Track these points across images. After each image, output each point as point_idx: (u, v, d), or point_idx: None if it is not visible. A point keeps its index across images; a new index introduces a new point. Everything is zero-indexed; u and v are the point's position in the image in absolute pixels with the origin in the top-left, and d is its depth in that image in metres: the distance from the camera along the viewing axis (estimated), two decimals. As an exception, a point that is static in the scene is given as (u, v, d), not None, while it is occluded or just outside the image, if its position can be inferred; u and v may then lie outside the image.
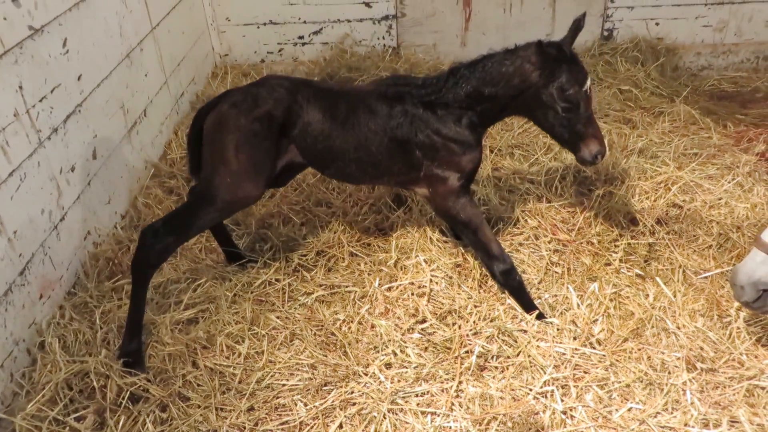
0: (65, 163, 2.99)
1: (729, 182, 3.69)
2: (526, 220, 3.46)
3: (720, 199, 3.58)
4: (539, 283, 3.07)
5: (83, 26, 3.19)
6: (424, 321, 2.86)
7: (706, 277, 3.07)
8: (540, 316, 2.86)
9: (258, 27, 5.30)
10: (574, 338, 2.75)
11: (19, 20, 2.67)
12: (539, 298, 2.99)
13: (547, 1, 5.20)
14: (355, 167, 2.88)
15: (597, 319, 2.85)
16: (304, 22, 5.27)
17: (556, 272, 3.14)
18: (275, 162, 2.78)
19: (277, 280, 3.13)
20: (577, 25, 2.74)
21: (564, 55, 2.66)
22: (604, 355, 2.67)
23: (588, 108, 2.73)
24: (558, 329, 2.79)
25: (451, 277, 3.07)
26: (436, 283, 3.04)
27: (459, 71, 2.83)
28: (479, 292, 3.00)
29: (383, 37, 5.36)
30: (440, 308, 2.92)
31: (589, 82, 2.70)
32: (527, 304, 2.89)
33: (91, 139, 3.23)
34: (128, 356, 2.63)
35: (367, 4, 5.22)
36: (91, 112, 3.24)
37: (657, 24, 5.27)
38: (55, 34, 2.94)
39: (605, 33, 5.34)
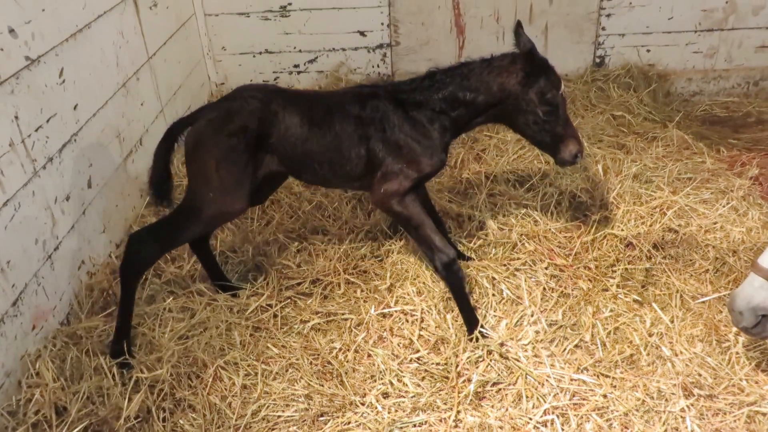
0: (60, 192, 2.98)
1: (724, 206, 3.70)
2: (523, 244, 3.46)
3: (715, 223, 3.58)
4: (530, 311, 3.05)
5: (80, 56, 3.22)
6: (418, 350, 2.83)
7: (703, 302, 3.06)
8: (474, 321, 2.88)
9: (254, 56, 5.35)
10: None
11: (16, 51, 2.68)
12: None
13: (540, 29, 5.27)
14: (328, 169, 2.88)
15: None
16: (300, 50, 5.33)
17: (553, 296, 3.12)
18: (256, 173, 2.80)
19: (269, 305, 3.11)
20: (521, 28, 2.92)
21: (544, 63, 2.80)
22: (598, 382, 2.65)
23: (564, 110, 2.87)
24: (552, 355, 2.77)
25: (442, 304, 3.05)
26: (428, 312, 3.02)
27: (436, 75, 2.90)
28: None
29: (378, 65, 5.41)
30: (432, 335, 2.90)
31: (563, 86, 2.85)
32: (465, 304, 2.89)
33: (86, 168, 3.23)
34: (117, 355, 2.72)
35: (362, 33, 5.28)
36: (87, 141, 3.24)
37: (648, 51, 5.34)
38: (52, 64, 2.96)
39: (597, 60, 5.40)
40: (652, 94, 5.17)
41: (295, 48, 5.32)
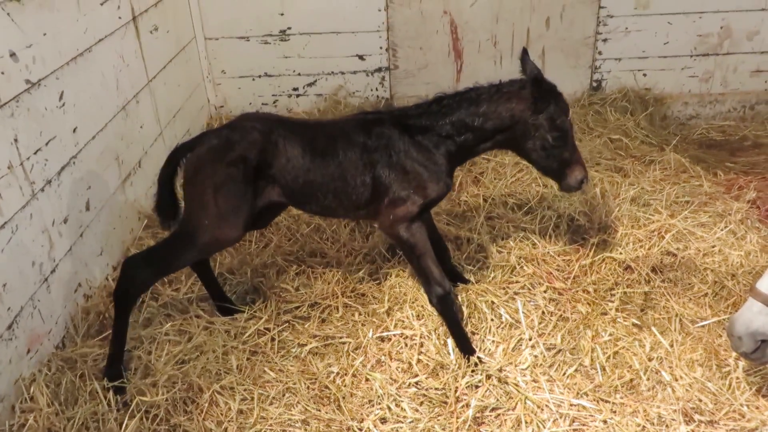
0: (58, 214, 2.98)
1: (722, 230, 3.70)
2: (522, 267, 3.45)
3: (713, 246, 3.58)
4: (528, 335, 3.03)
5: (80, 80, 3.24)
6: (416, 375, 2.81)
7: (703, 326, 3.05)
8: (471, 351, 2.86)
9: (253, 79, 5.39)
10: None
11: (17, 74, 2.70)
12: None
13: (537, 53, 5.32)
14: (333, 199, 2.86)
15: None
16: (299, 74, 5.37)
17: (552, 320, 3.10)
18: (253, 203, 2.78)
19: (267, 329, 3.09)
20: (527, 55, 2.95)
21: (552, 88, 2.81)
22: (598, 407, 2.62)
23: (572, 136, 2.88)
24: (551, 379, 2.75)
25: (442, 329, 3.03)
26: (428, 337, 3.00)
27: (444, 100, 2.89)
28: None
29: (376, 89, 5.45)
30: (432, 360, 2.88)
31: (570, 111, 2.87)
32: (460, 336, 2.88)
33: (84, 191, 3.23)
34: (111, 379, 2.72)
35: (361, 57, 5.32)
36: (86, 163, 3.25)
37: (644, 75, 5.39)
38: (52, 87, 2.97)
39: (594, 84, 5.45)
40: (648, 117, 5.20)
41: (294, 71, 5.36)
